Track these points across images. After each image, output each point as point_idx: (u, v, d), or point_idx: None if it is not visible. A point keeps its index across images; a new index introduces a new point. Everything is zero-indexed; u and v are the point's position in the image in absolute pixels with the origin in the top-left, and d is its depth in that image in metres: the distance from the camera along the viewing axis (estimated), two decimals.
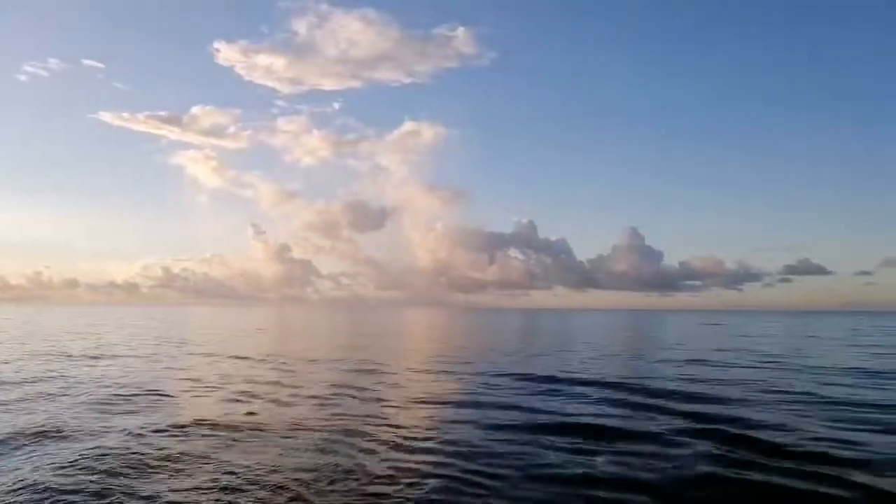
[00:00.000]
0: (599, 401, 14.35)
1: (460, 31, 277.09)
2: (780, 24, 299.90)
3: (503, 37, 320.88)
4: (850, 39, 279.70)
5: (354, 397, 14.65)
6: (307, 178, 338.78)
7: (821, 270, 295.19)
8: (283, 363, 22.74)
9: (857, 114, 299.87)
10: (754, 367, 22.09)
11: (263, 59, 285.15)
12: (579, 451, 9.49)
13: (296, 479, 7.91)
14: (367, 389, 15.97)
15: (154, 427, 10.87)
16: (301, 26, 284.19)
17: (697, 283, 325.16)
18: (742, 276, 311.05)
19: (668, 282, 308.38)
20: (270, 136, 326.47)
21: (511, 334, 49.49)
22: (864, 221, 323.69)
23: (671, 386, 16.66)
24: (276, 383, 16.97)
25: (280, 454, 9.22)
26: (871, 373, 20.31)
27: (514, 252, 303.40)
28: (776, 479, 8.04)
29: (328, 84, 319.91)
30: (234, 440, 10.13)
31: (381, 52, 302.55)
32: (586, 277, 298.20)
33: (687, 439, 10.20)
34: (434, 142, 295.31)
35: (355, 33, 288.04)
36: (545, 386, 16.78)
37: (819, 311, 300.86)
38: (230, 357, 25.14)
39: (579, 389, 16.07)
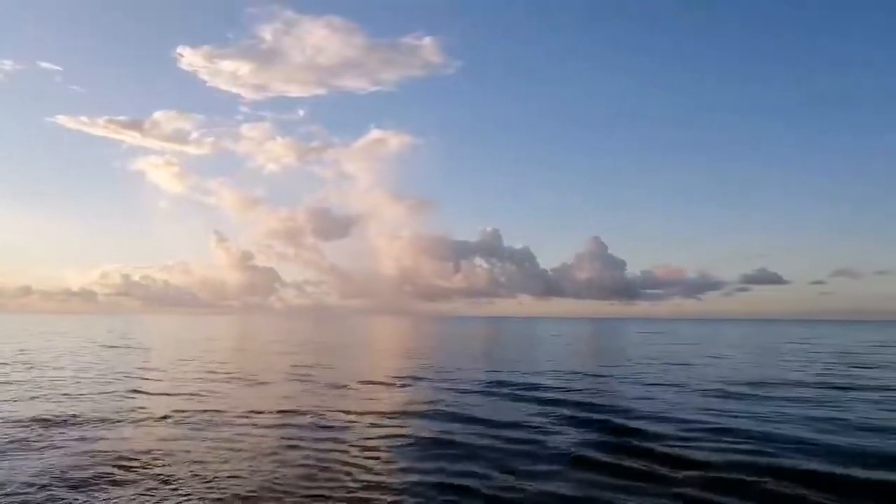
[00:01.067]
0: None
1: (427, 41, 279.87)
2: (744, 34, 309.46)
3: (470, 47, 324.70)
4: (815, 49, 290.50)
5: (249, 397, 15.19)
6: (271, 185, 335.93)
7: (777, 280, 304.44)
8: (184, 371, 23.05)
9: (814, 127, 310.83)
10: (640, 372, 23.28)
11: (228, 65, 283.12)
12: None
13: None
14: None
15: None
16: (267, 33, 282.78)
17: (659, 291, 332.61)
18: (702, 285, 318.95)
19: (630, 290, 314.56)
20: (234, 143, 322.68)
21: (450, 343, 50.36)
22: (817, 232, 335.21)
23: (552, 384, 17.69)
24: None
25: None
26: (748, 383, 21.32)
27: (479, 260, 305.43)
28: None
29: (293, 91, 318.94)
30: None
31: (347, 60, 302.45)
32: (550, 286, 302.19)
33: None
34: (400, 150, 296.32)
35: (321, 40, 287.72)
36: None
37: (775, 320, 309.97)
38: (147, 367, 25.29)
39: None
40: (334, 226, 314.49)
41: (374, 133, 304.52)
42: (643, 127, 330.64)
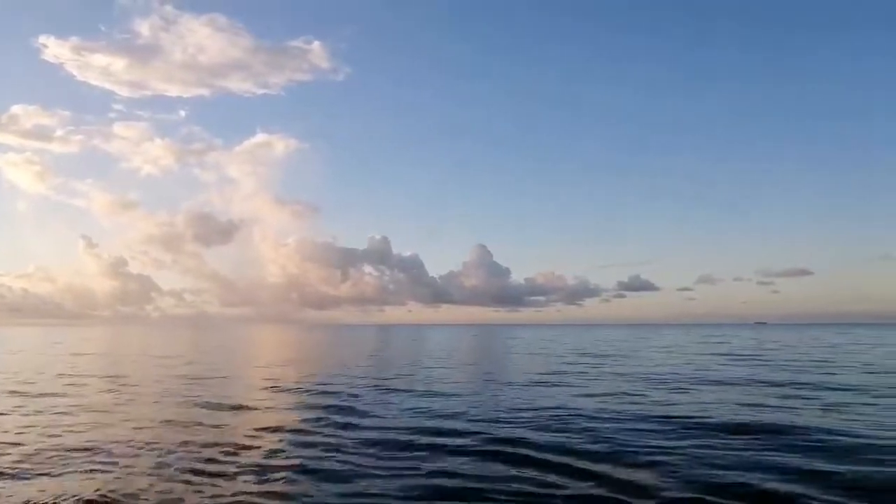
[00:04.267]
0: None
1: (316, 45, 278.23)
2: (631, 42, 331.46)
3: (360, 54, 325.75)
4: (688, 59, 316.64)
5: None
6: (147, 188, 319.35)
7: (650, 286, 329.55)
8: None
9: (678, 144, 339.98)
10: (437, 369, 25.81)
11: (100, 59, 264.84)
12: None
13: None
14: None
15: None
16: (144, 27, 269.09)
17: (542, 298, 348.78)
18: (582, 292, 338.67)
19: (515, 297, 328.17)
20: (106, 142, 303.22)
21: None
22: (682, 241, 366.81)
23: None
24: None
25: None
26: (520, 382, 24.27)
27: (367, 268, 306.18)
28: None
29: (173, 90, 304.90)
30: None
31: (231, 61, 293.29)
32: (439, 293, 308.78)
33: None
34: (286, 155, 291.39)
35: (204, 39, 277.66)
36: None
37: (650, 325, 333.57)
38: None
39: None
40: (216, 231, 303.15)
41: (260, 136, 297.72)
42: (525, 138, 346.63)
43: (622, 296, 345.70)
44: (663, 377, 23.88)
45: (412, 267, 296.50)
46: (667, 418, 13.94)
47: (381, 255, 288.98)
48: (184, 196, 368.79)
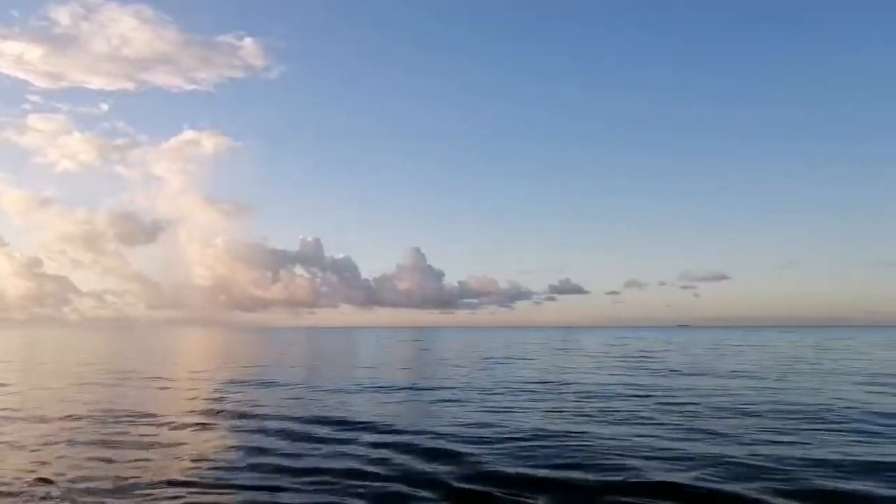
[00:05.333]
0: None
1: (248, 41, 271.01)
2: (573, 41, 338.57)
3: (294, 51, 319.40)
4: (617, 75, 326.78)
5: None
6: (65, 184, 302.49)
7: (580, 290, 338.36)
8: None
9: (607, 154, 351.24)
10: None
11: (12, 47, 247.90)
12: None
13: None
14: None
15: None
16: (62, 15, 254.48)
17: (475, 301, 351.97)
18: (514, 295, 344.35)
19: (448, 300, 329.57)
20: (19, 135, 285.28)
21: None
22: (610, 246, 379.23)
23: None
24: None
25: None
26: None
27: (299, 270, 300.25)
28: None
29: (95, 82, 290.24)
30: None
31: (159, 54, 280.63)
32: (372, 296, 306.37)
33: None
34: (216, 153, 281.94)
35: (129, 30, 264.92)
36: None
37: (579, 328, 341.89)
38: None
39: None
40: (140, 231, 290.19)
41: (188, 133, 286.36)
42: (459, 139, 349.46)
43: (553, 299, 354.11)
44: (542, 383, 24.04)
45: (345, 269, 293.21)
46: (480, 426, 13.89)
47: (313, 256, 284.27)
48: (105, 193, 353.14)
